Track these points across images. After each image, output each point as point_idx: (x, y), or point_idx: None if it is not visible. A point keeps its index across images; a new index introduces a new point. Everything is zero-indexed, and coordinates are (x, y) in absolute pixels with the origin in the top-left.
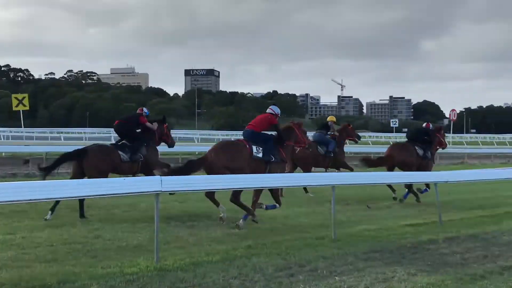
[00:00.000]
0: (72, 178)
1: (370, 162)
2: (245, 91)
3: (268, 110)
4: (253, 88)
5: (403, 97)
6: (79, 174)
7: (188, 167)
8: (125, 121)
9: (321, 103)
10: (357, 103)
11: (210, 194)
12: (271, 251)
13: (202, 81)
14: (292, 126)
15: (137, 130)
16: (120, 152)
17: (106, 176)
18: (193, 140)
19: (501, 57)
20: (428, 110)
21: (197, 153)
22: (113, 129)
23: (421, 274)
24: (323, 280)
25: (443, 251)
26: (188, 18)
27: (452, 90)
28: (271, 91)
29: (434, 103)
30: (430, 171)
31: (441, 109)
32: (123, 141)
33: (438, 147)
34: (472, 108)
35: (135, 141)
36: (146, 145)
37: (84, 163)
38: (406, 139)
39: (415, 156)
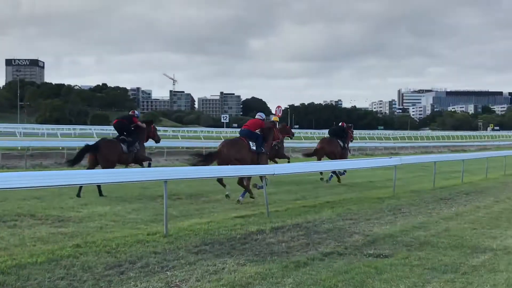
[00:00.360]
0: (88, 168)
1: (308, 154)
2: (72, 83)
3: (257, 116)
4: (81, 80)
5: (233, 93)
6: (94, 164)
7: (208, 158)
8: (122, 119)
9: (153, 97)
10: (189, 98)
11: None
12: (100, 249)
13: (25, 72)
14: (271, 126)
15: (132, 128)
16: (121, 145)
17: (114, 165)
18: (15, 134)
19: (321, 57)
20: (256, 106)
21: (19, 147)
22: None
23: (249, 264)
24: (154, 276)
25: (270, 240)
26: (9, 4)
27: (278, 87)
28: (100, 84)
29: (261, 99)
30: (346, 158)
31: (268, 105)
32: (121, 136)
33: (350, 140)
34: (296, 105)
35: (130, 136)
36: (138, 140)
37: (97, 155)
38: (329, 135)
39: (339, 148)
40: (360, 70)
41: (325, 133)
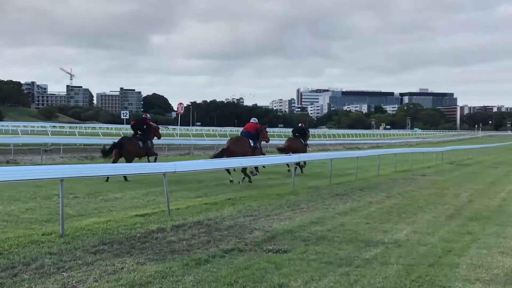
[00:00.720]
0: (113, 161)
1: (281, 150)
2: None
3: (252, 120)
4: None
5: (134, 89)
6: (118, 158)
7: (221, 153)
8: (139, 121)
9: (49, 92)
10: (87, 93)
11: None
12: None
13: None
14: (263, 129)
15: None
16: (139, 142)
17: (134, 158)
18: None
19: (223, 55)
20: (157, 102)
21: None
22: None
23: (149, 263)
24: (50, 277)
25: (170, 238)
26: None
27: (179, 84)
28: None
29: (163, 96)
30: (306, 152)
31: (170, 102)
32: (137, 135)
33: (308, 138)
34: (198, 102)
35: (144, 134)
36: (151, 138)
37: (122, 150)
38: (291, 134)
39: (303, 145)
40: (262, 69)
41: (226, 130)
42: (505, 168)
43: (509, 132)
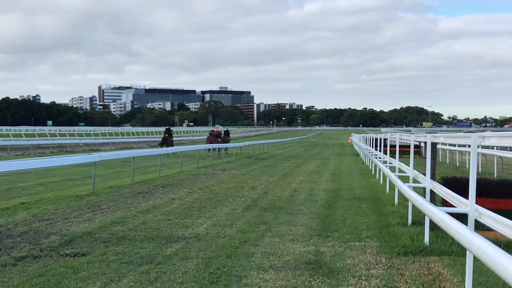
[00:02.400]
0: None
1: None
2: None
3: (218, 128)
4: None
5: None
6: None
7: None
8: (168, 129)
9: None
10: None
11: None
12: None
13: None
14: (218, 132)
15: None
16: (171, 139)
17: None
18: None
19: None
20: None
21: None
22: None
23: None
24: None
25: None
26: None
27: None
28: None
29: None
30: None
31: None
32: (165, 136)
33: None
34: None
35: (171, 136)
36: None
37: (166, 144)
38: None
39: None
40: (60, 64)
41: (21, 129)
42: (296, 161)
43: (299, 128)
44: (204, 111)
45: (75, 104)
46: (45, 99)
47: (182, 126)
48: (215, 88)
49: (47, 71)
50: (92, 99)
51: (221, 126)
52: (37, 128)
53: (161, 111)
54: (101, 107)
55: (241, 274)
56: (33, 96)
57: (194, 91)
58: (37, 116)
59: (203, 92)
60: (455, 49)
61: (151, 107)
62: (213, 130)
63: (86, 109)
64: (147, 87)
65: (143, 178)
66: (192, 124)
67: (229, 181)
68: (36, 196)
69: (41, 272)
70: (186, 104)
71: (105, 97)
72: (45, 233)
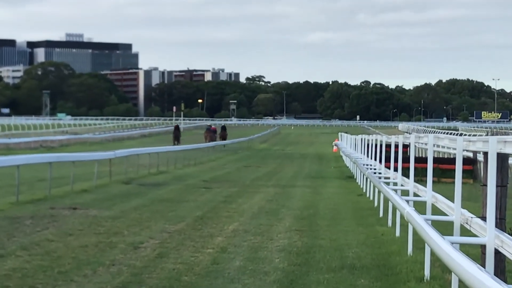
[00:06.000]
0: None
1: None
2: None
3: (213, 126)
4: None
5: None
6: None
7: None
8: (177, 126)
9: None
10: None
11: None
12: None
13: None
14: (215, 128)
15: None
16: (179, 131)
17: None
18: None
19: None
20: None
21: None
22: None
23: None
24: None
25: None
26: None
27: None
28: None
29: None
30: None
31: None
32: (175, 132)
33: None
34: None
35: (179, 133)
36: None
37: (179, 139)
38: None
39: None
40: None
41: None
42: (226, 189)
43: (234, 121)
44: (34, 83)
45: None
46: None
47: None
48: (58, 36)
49: None
50: None
51: (69, 116)
52: None
53: None
54: None
55: None
56: None
57: (12, 42)
58: None
59: (31, 45)
60: None
61: None
62: (210, 126)
63: None
64: None
65: None
66: (7, 110)
67: (85, 231)
68: None
69: None
70: None
71: None
72: None
